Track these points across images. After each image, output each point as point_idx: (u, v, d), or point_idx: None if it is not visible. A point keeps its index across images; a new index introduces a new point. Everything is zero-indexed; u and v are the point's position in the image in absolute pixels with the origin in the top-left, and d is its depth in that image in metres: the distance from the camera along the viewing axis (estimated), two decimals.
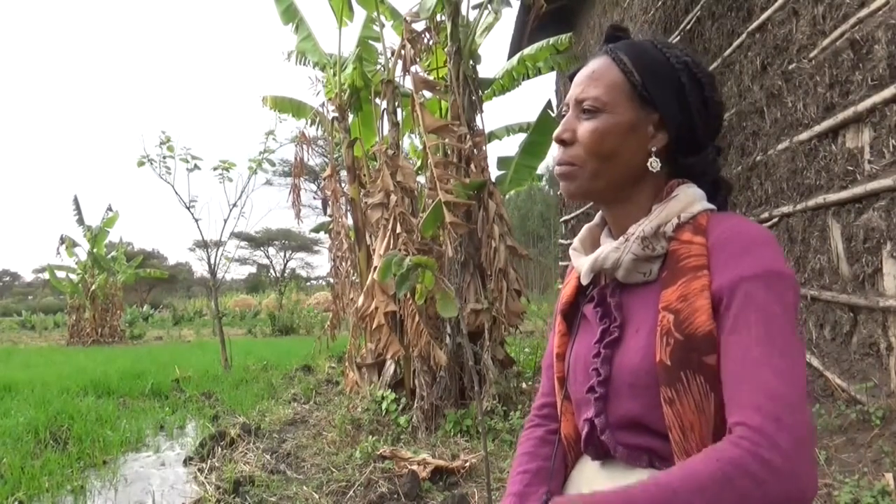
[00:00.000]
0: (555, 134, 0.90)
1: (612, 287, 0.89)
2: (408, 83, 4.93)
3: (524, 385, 4.97)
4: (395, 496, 3.01)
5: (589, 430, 0.87)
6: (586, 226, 0.98)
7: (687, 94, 0.86)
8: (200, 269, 39.99)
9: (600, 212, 0.97)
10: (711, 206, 0.85)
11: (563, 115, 0.91)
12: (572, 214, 9.14)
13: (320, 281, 36.76)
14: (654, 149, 0.86)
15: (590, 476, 0.90)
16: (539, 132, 5.74)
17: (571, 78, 0.93)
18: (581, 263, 0.92)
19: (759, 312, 0.73)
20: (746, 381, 0.71)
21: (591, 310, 0.91)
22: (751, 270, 0.75)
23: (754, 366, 0.71)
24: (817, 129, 3.33)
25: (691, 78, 0.86)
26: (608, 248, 0.87)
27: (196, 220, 8.71)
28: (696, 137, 0.88)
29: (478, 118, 4.79)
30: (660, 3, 5.79)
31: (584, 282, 0.92)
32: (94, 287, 15.33)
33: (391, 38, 5.76)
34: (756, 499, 0.64)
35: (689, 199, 0.85)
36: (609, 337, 0.85)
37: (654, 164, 0.86)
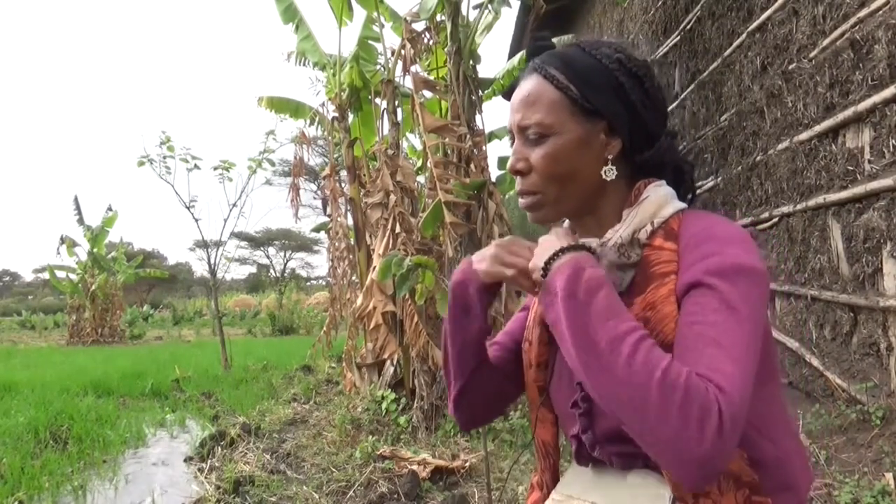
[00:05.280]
0: (508, 166, 0.87)
1: None
2: (408, 83, 4.94)
3: None
4: (395, 496, 3.01)
5: (578, 446, 0.86)
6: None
7: (628, 92, 0.83)
8: (200, 269, 40.03)
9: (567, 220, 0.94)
10: (682, 206, 0.84)
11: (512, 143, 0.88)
12: None
13: (320, 281, 36.78)
14: (610, 156, 0.84)
15: (586, 478, 0.88)
16: None
17: (507, 96, 0.90)
18: None
19: (718, 300, 0.71)
20: (704, 354, 0.68)
21: None
22: (714, 266, 0.73)
23: (710, 345, 0.68)
24: (817, 129, 3.33)
25: (628, 74, 0.84)
26: None
27: (196, 220, 8.72)
28: (648, 131, 0.85)
29: (478, 118, 4.79)
30: (660, 3, 5.79)
31: None
32: (94, 287, 15.33)
33: (391, 38, 5.77)
34: (687, 434, 0.63)
35: (660, 201, 0.82)
36: None
37: (609, 172, 0.84)
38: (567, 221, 0.95)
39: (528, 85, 0.86)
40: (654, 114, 0.86)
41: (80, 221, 15.42)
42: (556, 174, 0.83)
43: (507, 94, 0.91)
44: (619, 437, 0.80)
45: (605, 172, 0.83)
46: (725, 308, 0.71)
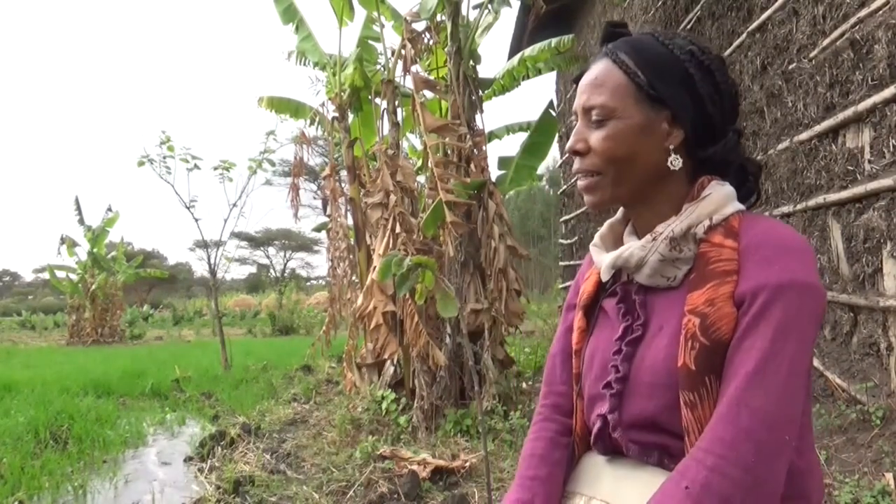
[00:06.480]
0: (567, 146, 0.88)
1: (636, 284, 0.87)
2: (408, 83, 4.94)
3: (524, 385, 4.97)
4: (395, 496, 3.00)
5: (601, 425, 0.86)
6: (608, 221, 0.96)
7: (697, 85, 0.84)
8: (200, 269, 40.03)
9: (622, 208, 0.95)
10: (742, 207, 0.84)
11: (573, 125, 0.90)
12: (572, 214, 9.13)
13: (320, 281, 36.77)
14: (671, 146, 0.84)
15: (596, 472, 0.89)
16: (540, 132, 5.73)
17: (577, 81, 0.91)
18: (601, 260, 0.90)
19: (771, 325, 0.73)
20: (736, 391, 0.72)
21: (613, 305, 0.90)
22: (775, 279, 0.74)
23: (747, 378, 0.72)
24: (817, 128, 3.33)
25: (699, 66, 0.84)
26: (634, 246, 0.85)
27: (196, 220, 8.73)
28: (714, 126, 0.86)
29: (478, 118, 4.80)
30: (660, 2, 5.79)
31: (605, 278, 0.91)
32: (94, 287, 15.32)
33: (391, 38, 5.76)
34: None
35: (722, 199, 0.83)
36: (632, 335, 0.84)
37: (675, 162, 0.84)
38: (620, 211, 0.96)
39: (598, 68, 0.87)
40: (721, 109, 0.86)
41: (81, 221, 15.41)
42: (615, 157, 0.83)
43: (577, 80, 0.92)
44: (644, 424, 0.82)
45: (670, 163, 0.84)
46: (775, 332, 0.73)
